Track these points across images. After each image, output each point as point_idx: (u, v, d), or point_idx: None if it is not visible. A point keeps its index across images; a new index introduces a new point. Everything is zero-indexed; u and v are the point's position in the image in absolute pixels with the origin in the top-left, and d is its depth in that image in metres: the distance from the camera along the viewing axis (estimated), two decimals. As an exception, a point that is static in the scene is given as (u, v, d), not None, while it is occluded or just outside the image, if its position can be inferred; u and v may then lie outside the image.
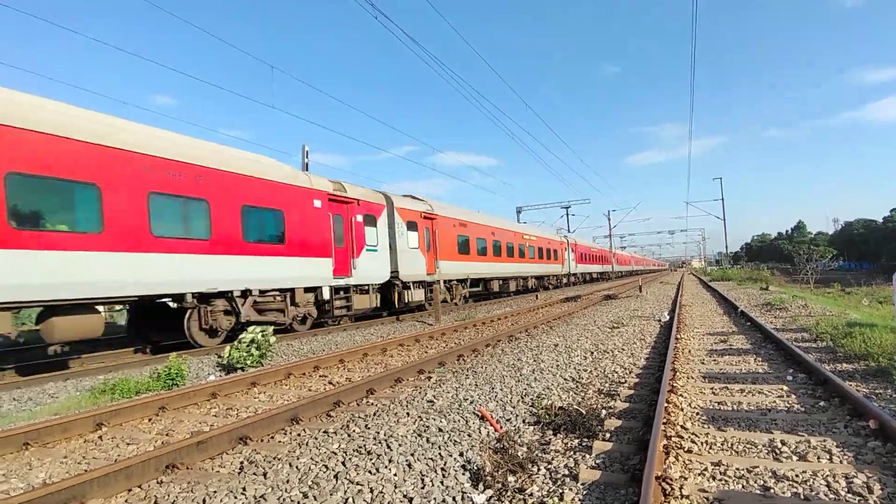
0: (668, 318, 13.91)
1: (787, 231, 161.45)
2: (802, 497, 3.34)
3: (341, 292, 14.91)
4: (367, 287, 16.01)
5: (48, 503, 3.57)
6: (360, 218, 15.61)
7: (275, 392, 7.62)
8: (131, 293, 9.68)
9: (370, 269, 15.96)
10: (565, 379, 7.24)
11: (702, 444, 4.37)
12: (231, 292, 11.54)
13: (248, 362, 9.50)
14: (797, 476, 3.63)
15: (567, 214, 56.07)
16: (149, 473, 4.20)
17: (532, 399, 6.15)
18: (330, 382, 8.15)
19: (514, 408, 5.84)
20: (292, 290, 13.24)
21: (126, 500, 3.91)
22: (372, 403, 6.49)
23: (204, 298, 11.14)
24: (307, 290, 13.74)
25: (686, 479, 3.65)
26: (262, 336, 10.00)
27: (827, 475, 3.62)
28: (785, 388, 6.14)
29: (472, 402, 6.03)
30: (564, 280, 42.35)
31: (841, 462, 3.86)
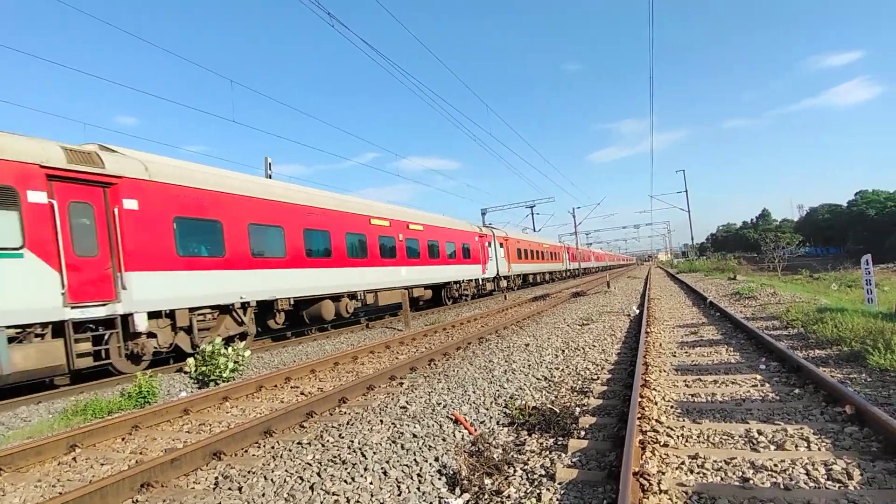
0: (637, 312, 13.98)
1: (752, 220, 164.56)
2: (782, 486, 3.27)
3: (481, 281, 28.57)
4: (490, 278, 30.21)
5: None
6: (486, 243, 30.00)
7: (247, 405, 7.47)
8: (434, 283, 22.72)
9: (491, 269, 30.22)
10: (538, 378, 7.14)
11: (678, 437, 4.30)
12: (459, 280, 25.21)
13: (224, 375, 9.26)
14: (776, 465, 3.57)
15: (532, 213, 55.88)
16: (124, 493, 4.18)
17: (505, 400, 6.04)
18: (302, 393, 7.97)
19: (487, 410, 5.72)
20: (470, 280, 26.72)
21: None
22: (345, 412, 6.35)
23: (447, 284, 23.85)
24: (472, 280, 27.28)
25: (664, 473, 3.55)
26: (234, 350, 9.84)
27: (806, 463, 3.57)
28: (758, 377, 6.14)
29: (445, 407, 5.90)
30: (564, 274, 55.06)
31: (819, 449, 3.82)
